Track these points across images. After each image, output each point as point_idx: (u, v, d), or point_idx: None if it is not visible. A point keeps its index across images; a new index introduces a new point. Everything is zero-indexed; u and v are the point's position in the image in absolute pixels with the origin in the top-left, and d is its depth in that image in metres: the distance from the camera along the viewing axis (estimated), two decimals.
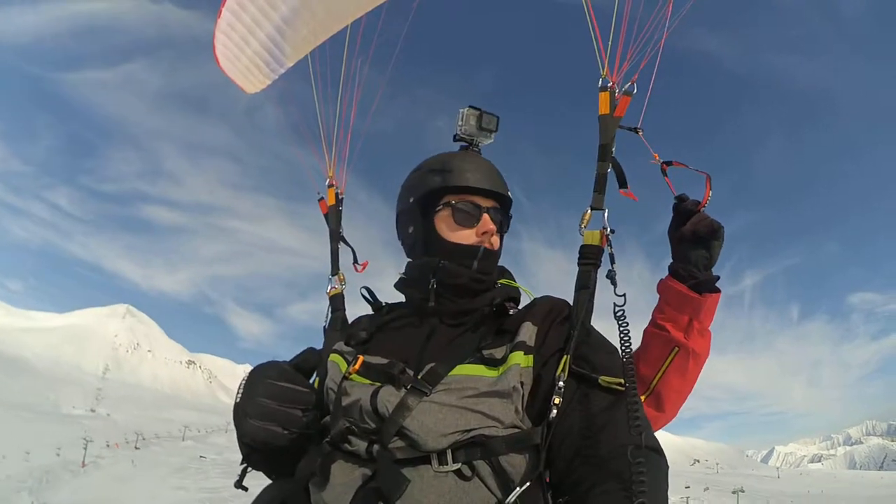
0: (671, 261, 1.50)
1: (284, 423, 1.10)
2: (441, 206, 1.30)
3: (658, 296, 1.51)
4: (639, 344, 1.53)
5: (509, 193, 1.35)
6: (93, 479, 25.66)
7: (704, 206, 1.43)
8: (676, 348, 1.42)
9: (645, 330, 1.52)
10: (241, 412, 1.12)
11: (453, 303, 1.26)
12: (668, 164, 1.47)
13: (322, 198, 1.71)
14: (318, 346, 1.41)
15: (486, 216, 1.29)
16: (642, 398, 1.44)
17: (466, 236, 1.29)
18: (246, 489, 1.27)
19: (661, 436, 1.31)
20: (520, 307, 1.29)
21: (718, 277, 1.44)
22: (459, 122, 1.42)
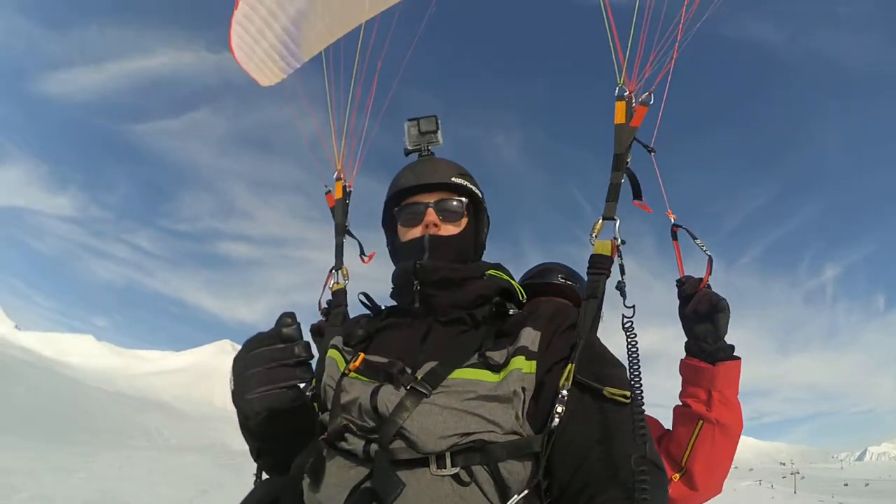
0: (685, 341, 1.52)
1: (283, 379, 1.01)
2: (394, 218, 1.38)
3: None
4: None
5: (456, 179, 1.33)
6: None
7: (705, 286, 1.46)
8: (701, 422, 1.43)
9: (672, 411, 1.54)
10: (239, 395, 1.04)
11: (440, 297, 1.24)
12: (679, 227, 1.48)
13: (329, 191, 1.71)
14: None
15: (429, 209, 1.31)
16: (676, 477, 1.45)
17: (414, 234, 1.33)
18: None
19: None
20: (516, 308, 1.26)
21: (732, 347, 1.45)
22: (404, 137, 1.54)
